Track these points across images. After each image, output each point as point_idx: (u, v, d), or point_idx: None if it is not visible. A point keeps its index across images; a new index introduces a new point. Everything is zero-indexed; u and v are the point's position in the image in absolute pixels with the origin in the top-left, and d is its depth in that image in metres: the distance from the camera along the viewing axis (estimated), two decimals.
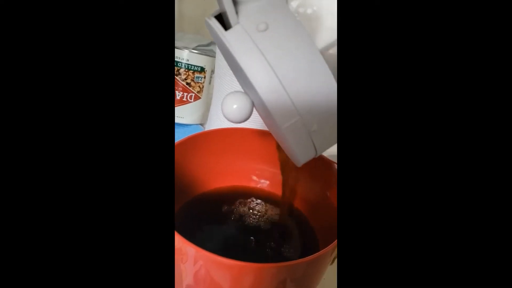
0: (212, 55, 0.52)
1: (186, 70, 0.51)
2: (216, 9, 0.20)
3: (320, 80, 0.20)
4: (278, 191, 0.37)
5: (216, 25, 0.20)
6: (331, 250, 0.24)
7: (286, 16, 0.19)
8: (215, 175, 0.38)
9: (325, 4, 0.22)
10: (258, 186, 0.39)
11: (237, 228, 0.34)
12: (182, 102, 0.53)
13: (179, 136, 0.37)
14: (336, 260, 0.30)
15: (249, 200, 0.37)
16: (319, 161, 0.34)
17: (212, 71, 0.53)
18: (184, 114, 0.54)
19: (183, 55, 0.50)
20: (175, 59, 0.51)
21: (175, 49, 0.50)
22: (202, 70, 0.52)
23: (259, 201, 0.37)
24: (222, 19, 0.20)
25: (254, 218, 0.35)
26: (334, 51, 0.21)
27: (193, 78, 0.52)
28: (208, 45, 0.53)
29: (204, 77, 0.53)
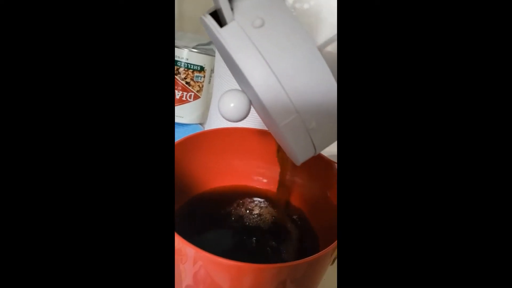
0: (211, 54, 0.51)
1: (186, 69, 0.51)
2: (211, 6, 0.20)
3: (318, 77, 0.19)
4: (278, 190, 0.37)
5: (211, 22, 0.19)
6: (331, 250, 0.24)
7: (283, 12, 0.19)
8: (215, 175, 0.38)
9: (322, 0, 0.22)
10: (258, 186, 0.39)
11: (237, 228, 0.34)
12: (182, 101, 0.53)
13: (179, 135, 0.37)
14: (336, 261, 0.30)
15: (249, 200, 0.37)
16: (319, 161, 0.34)
17: (212, 71, 0.53)
18: (184, 114, 0.54)
19: (182, 54, 0.50)
20: (175, 58, 0.50)
21: (175, 48, 0.50)
22: (202, 69, 0.52)
23: (259, 201, 0.37)
24: (217, 16, 0.20)
25: (254, 218, 0.35)
26: (332, 47, 0.21)
27: (193, 77, 0.52)
28: (207, 44, 0.53)
29: (204, 77, 0.52)
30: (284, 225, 0.35)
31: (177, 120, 0.54)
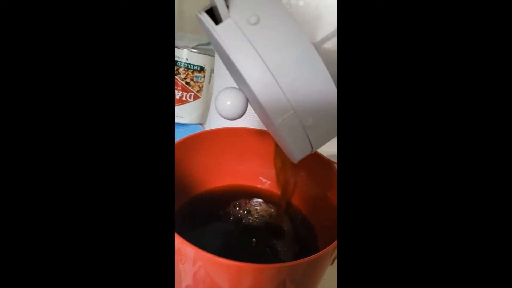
0: (211, 54, 0.51)
1: (186, 69, 0.51)
2: (207, 4, 0.20)
3: (314, 74, 0.19)
4: (278, 190, 0.37)
5: (207, 19, 0.19)
6: (331, 250, 0.24)
7: (278, 8, 0.19)
8: (215, 175, 0.38)
9: None
10: (258, 185, 0.39)
11: (237, 228, 0.34)
12: (182, 101, 0.53)
13: (179, 135, 0.37)
14: (336, 261, 0.30)
15: (249, 200, 0.37)
16: (319, 161, 0.34)
17: (212, 71, 0.53)
18: (184, 114, 0.54)
19: (182, 55, 0.50)
20: (175, 59, 0.50)
21: (175, 49, 0.50)
22: (202, 69, 0.52)
23: (259, 200, 0.37)
24: (213, 13, 0.19)
25: (253, 218, 0.35)
26: (329, 44, 0.21)
27: (193, 77, 0.52)
28: (207, 44, 0.53)
29: (204, 77, 0.52)
30: (284, 225, 0.35)
31: (177, 120, 0.54)
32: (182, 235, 0.23)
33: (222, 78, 0.42)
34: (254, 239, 0.33)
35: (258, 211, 0.36)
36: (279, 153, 0.33)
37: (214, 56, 0.52)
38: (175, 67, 0.51)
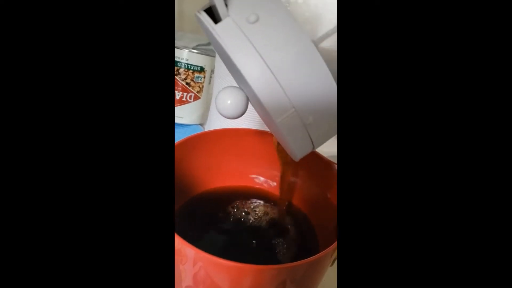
0: (212, 54, 0.51)
1: (186, 70, 0.51)
2: (206, 3, 0.20)
3: (314, 71, 0.19)
4: (278, 191, 0.37)
5: (206, 19, 0.19)
6: (331, 251, 0.24)
7: (277, 6, 0.19)
8: (215, 175, 0.38)
9: None
10: (258, 186, 0.39)
11: (237, 228, 0.34)
12: (182, 102, 0.53)
13: (179, 136, 0.37)
14: (336, 262, 0.30)
15: (249, 200, 0.37)
16: (319, 162, 0.34)
17: (212, 71, 0.53)
18: (184, 114, 0.54)
19: (182, 55, 0.50)
20: (175, 59, 0.50)
21: (175, 49, 0.50)
22: (202, 70, 0.52)
23: (259, 201, 0.37)
24: (212, 12, 0.19)
25: (254, 219, 0.35)
26: (329, 42, 0.21)
27: (193, 78, 0.52)
28: (208, 44, 0.53)
29: (204, 77, 0.52)
30: (284, 226, 0.35)
31: (177, 120, 0.54)
32: (182, 235, 0.23)
33: (222, 78, 0.41)
34: (254, 240, 0.33)
35: (258, 211, 0.36)
36: (280, 153, 0.33)
37: (214, 57, 0.52)
38: (176, 68, 0.51)
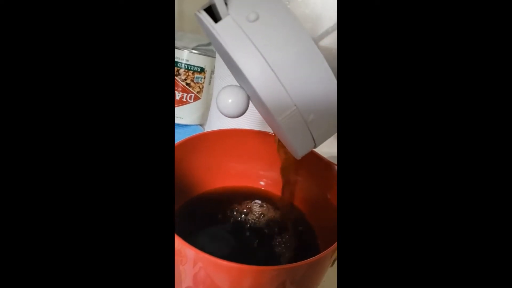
0: (212, 55, 0.51)
1: (186, 70, 0.51)
2: (206, 2, 0.20)
3: (315, 69, 0.19)
4: (278, 191, 0.37)
5: (206, 18, 0.19)
6: (331, 252, 0.24)
7: (277, 4, 0.19)
8: (215, 176, 0.38)
9: None
10: (258, 187, 0.39)
11: (237, 229, 0.34)
12: (182, 102, 0.53)
13: (179, 136, 0.37)
14: (336, 262, 0.30)
15: (249, 201, 0.37)
16: (319, 162, 0.34)
17: (212, 72, 0.53)
18: (184, 115, 0.54)
19: (182, 56, 0.50)
20: (175, 60, 0.50)
21: (175, 50, 0.50)
22: (202, 70, 0.52)
23: (259, 202, 0.37)
24: (212, 11, 0.19)
25: (254, 219, 0.35)
26: (328, 39, 0.21)
27: (193, 78, 0.52)
28: (208, 45, 0.53)
29: (204, 78, 0.52)
30: (284, 226, 0.35)
31: (177, 121, 0.54)
32: (182, 236, 0.23)
33: (222, 79, 0.41)
34: (254, 240, 0.33)
35: (258, 212, 0.36)
36: (281, 154, 0.33)
37: (214, 57, 0.52)
38: (176, 68, 0.51)
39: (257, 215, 0.36)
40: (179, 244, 0.23)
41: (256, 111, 0.27)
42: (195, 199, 0.36)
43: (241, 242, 0.33)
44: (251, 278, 0.23)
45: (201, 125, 0.56)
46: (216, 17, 0.19)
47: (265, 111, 0.22)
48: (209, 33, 0.20)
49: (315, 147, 0.22)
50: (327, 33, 0.21)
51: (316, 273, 0.27)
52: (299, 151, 0.22)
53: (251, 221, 0.35)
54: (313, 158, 0.34)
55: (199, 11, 0.20)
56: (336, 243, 0.24)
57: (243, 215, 0.35)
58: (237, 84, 0.25)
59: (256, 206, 0.37)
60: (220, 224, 0.34)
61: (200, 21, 0.20)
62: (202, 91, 0.53)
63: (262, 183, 0.39)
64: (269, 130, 0.36)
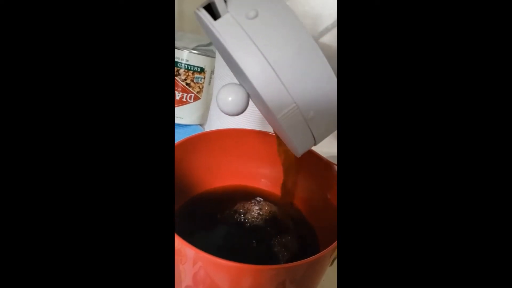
0: (212, 55, 0.51)
1: (186, 70, 0.51)
2: (205, 0, 0.20)
3: (314, 66, 0.19)
4: (278, 191, 0.37)
5: (205, 15, 0.19)
6: (331, 251, 0.24)
7: (276, 1, 0.19)
8: (215, 175, 0.38)
9: None
10: (258, 186, 0.39)
11: (237, 228, 0.34)
12: (182, 102, 0.53)
13: (179, 136, 0.37)
14: (336, 261, 0.30)
15: (248, 200, 0.37)
16: (319, 163, 0.34)
17: (212, 72, 0.53)
18: (184, 115, 0.54)
19: (182, 56, 0.50)
20: (175, 60, 0.50)
21: (175, 50, 0.50)
22: (202, 70, 0.52)
23: (259, 201, 0.37)
24: (211, 9, 0.19)
25: (254, 219, 0.35)
26: (328, 36, 0.21)
27: (193, 78, 0.52)
28: (208, 45, 0.53)
29: (204, 78, 0.52)
30: (283, 226, 0.35)
31: (177, 121, 0.54)
32: (182, 235, 0.23)
33: (222, 79, 0.42)
34: (254, 240, 0.33)
35: (258, 211, 0.36)
36: (281, 153, 0.33)
37: (214, 57, 0.52)
38: (176, 68, 0.51)
39: (256, 214, 0.36)
40: (179, 243, 0.23)
41: (256, 111, 0.27)
42: (195, 198, 0.36)
43: (241, 242, 0.33)
44: (251, 277, 0.23)
45: (201, 125, 0.56)
46: (215, 15, 0.19)
47: (265, 109, 0.22)
48: (209, 31, 0.20)
49: (315, 144, 0.22)
50: (327, 30, 0.21)
51: (316, 273, 0.27)
52: (299, 149, 0.22)
53: (251, 221, 0.35)
54: (313, 158, 0.34)
55: (198, 9, 0.20)
56: (336, 242, 0.24)
57: (242, 215, 0.35)
58: (237, 82, 0.25)
59: (256, 206, 0.37)
60: (220, 224, 0.34)
61: (199, 19, 0.20)
62: (202, 91, 0.53)
63: (262, 182, 0.39)
64: (269, 129, 0.36)
